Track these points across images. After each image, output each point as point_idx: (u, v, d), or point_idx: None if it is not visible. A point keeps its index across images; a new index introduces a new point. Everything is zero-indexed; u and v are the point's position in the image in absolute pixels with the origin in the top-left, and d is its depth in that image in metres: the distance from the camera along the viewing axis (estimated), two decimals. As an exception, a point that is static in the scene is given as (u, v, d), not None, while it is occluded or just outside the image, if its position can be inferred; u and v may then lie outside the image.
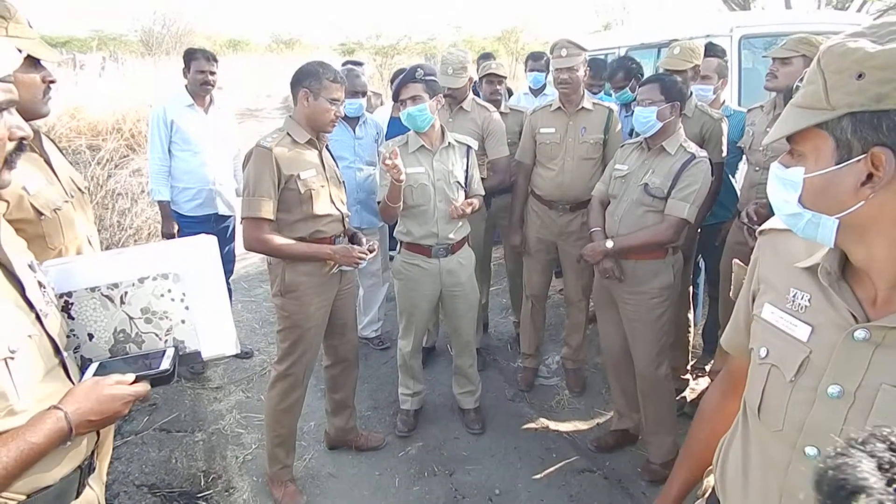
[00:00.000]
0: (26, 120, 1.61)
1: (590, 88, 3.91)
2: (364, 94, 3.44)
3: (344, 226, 2.45)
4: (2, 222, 1.01)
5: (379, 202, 2.73)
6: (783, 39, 2.74)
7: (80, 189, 1.81)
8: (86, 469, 1.09)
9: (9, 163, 0.93)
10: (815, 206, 0.81)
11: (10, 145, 0.93)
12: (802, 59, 2.61)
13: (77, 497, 1.06)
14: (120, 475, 2.62)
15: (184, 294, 1.23)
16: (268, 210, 2.19)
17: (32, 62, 1.55)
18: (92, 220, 1.89)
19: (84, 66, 13.39)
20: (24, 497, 0.94)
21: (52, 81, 1.62)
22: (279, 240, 2.24)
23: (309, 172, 2.26)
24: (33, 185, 1.58)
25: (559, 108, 3.06)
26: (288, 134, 2.27)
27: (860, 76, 0.72)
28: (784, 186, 0.84)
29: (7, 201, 1.50)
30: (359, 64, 4.41)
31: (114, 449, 2.44)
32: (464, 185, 2.74)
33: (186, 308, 1.24)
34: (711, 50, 3.23)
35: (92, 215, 1.90)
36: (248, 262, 5.14)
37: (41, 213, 1.58)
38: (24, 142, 0.95)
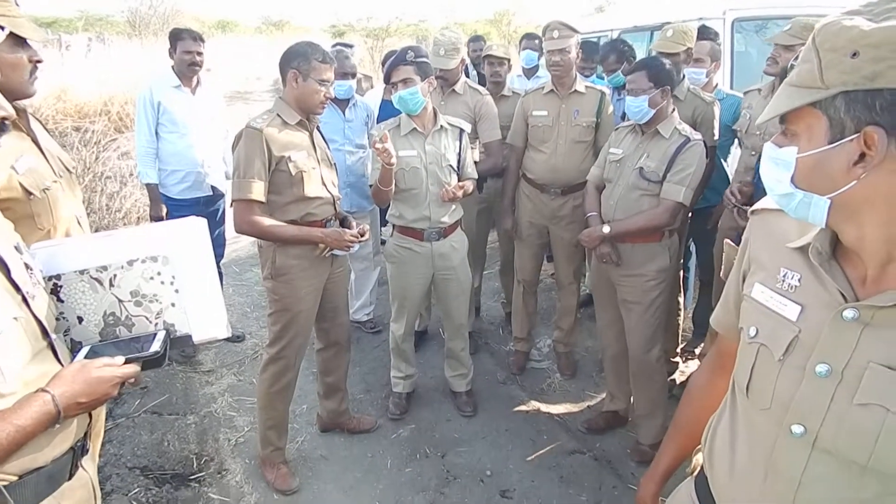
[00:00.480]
0: (12, 100, 1.59)
1: (582, 71, 3.88)
2: (354, 75, 3.40)
3: (335, 209, 2.43)
4: None
5: (371, 185, 2.72)
6: (778, 22, 2.73)
7: (68, 169, 1.79)
8: (78, 450, 1.09)
9: None
10: (807, 186, 0.81)
11: None
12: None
13: (70, 478, 1.06)
14: (112, 458, 2.61)
15: (173, 277, 1.23)
16: (258, 192, 2.17)
17: (19, 42, 1.53)
18: (80, 200, 1.87)
19: (70, 47, 13.14)
20: (16, 478, 0.94)
21: (39, 61, 1.59)
22: (269, 222, 2.22)
23: (300, 154, 2.24)
24: (22, 165, 1.56)
25: (551, 90, 3.04)
26: (278, 115, 2.24)
27: (854, 54, 0.72)
28: (777, 166, 0.84)
29: None
30: (349, 46, 4.36)
31: (105, 431, 2.45)
32: (456, 168, 2.72)
33: (176, 291, 1.23)
34: (704, 33, 3.22)
35: (80, 195, 1.88)
36: (239, 245, 5.11)
37: (30, 193, 1.57)
38: (5, 122, 0.93)
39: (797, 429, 0.86)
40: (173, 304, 1.24)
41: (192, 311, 1.26)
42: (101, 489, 2.36)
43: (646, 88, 2.39)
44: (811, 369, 0.84)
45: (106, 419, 2.38)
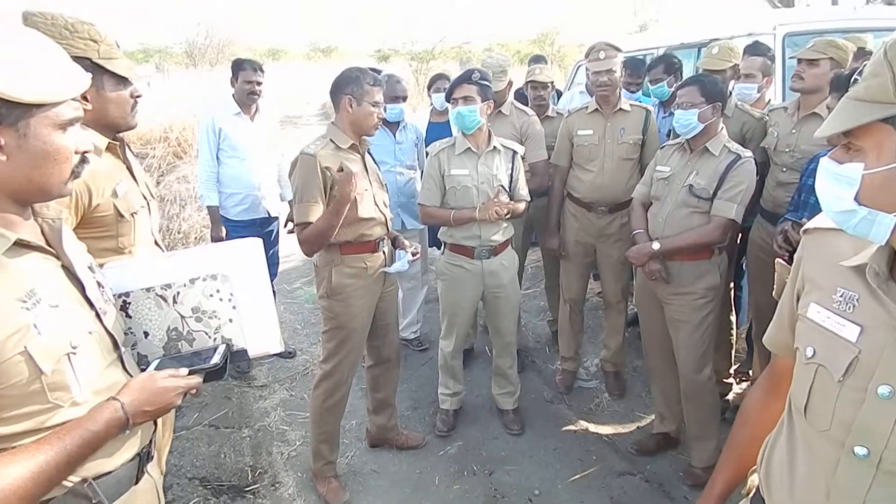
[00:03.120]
0: (118, 132, 1.74)
1: (628, 87, 3.89)
2: (405, 98, 3.51)
3: (387, 228, 2.51)
4: (64, 228, 1.09)
5: (420, 204, 2.79)
6: (831, 37, 2.70)
7: (152, 195, 1.92)
8: (144, 457, 1.15)
9: (75, 175, 1.01)
10: (873, 203, 0.79)
11: (76, 158, 1.00)
12: (830, 61, 2.60)
13: (136, 483, 1.13)
14: (173, 468, 2.73)
15: (231, 294, 1.29)
16: (316, 214, 2.26)
17: (121, 79, 1.67)
18: (157, 224, 2.00)
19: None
20: (89, 480, 1.01)
21: (139, 96, 1.74)
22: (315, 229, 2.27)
23: None
24: (120, 189, 1.70)
25: (596, 109, 3.07)
26: (331, 140, 2.34)
27: None
28: (838, 183, 0.83)
29: (68, 207, 1.60)
30: (378, 72, 4.49)
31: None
32: (508, 189, 2.77)
33: (234, 308, 1.29)
34: (756, 48, 3.18)
35: (158, 219, 2.01)
36: (290, 265, 5.27)
37: (121, 216, 1.70)
38: (87, 155, 1.02)
39: (860, 450, 0.85)
40: (231, 320, 1.30)
41: (248, 327, 1.31)
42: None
43: (697, 103, 2.39)
44: (873, 391, 0.84)
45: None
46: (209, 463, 2.82)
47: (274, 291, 3.83)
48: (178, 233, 5.57)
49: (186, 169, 6.64)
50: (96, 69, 1.58)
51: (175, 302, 1.27)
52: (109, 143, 1.72)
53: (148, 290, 1.26)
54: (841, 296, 0.90)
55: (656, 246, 2.46)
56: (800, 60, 2.69)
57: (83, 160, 1.02)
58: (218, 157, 3.45)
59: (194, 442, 2.95)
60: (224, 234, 3.49)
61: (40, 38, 0.99)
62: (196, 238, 5.64)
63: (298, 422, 3.14)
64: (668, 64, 3.59)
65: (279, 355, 3.79)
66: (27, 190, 0.96)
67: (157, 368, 1.18)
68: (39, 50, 0.96)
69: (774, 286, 1.17)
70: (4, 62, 0.90)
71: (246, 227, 3.45)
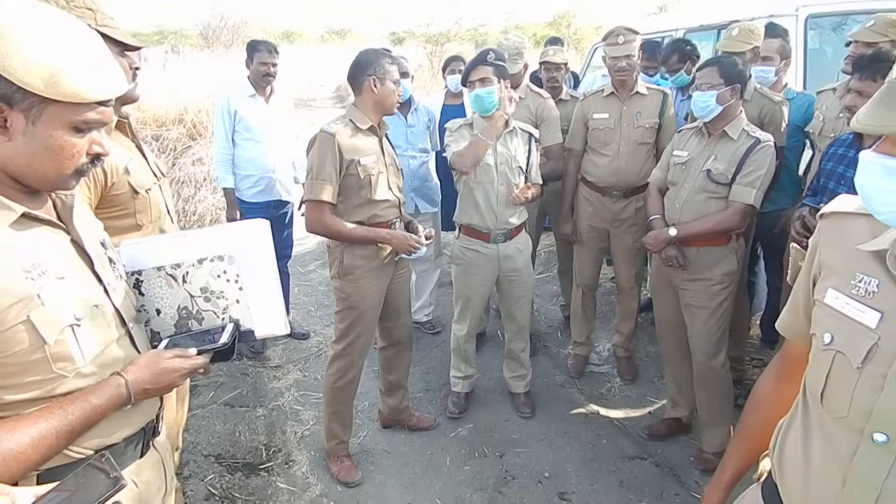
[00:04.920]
0: (120, 105, 1.75)
1: (645, 71, 3.84)
2: (410, 76, 3.50)
3: (400, 211, 2.51)
4: (76, 204, 1.10)
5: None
6: (857, 18, 2.60)
7: (162, 173, 1.94)
8: (149, 431, 1.18)
9: (79, 172, 1.01)
10: None
11: (85, 159, 1.00)
12: (891, 44, 2.44)
13: (142, 456, 1.16)
14: (189, 445, 2.78)
15: (238, 275, 1.29)
16: (328, 194, 2.27)
17: (120, 50, 1.67)
18: (171, 202, 2.02)
19: (148, 60, 13.94)
20: (92, 452, 1.04)
21: (137, 68, 1.74)
22: (339, 223, 2.32)
23: (369, 158, 2.33)
24: (133, 166, 1.72)
25: (612, 92, 3.03)
26: (351, 121, 2.35)
27: None
28: (889, 176, 0.80)
29: (94, 185, 1.62)
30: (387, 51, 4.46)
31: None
32: (525, 170, 2.75)
33: (240, 289, 1.30)
34: (773, 30, 3.11)
35: (170, 197, 2.04)
36: (304, 247, 5.31)
37: (136, 192, 1.73)
38: (99, 159, 1.02)
39: (880, 437, 0.85)
40: (238, 301, 1.30)
41: (255, 308, 1.31)
42: (180, 474, 2.53)
43: (716, 84, 2.35)
44: (893, 377, 0.83)
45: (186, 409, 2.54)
46: (224, 441, 2.87)
47: (288, 274, 3.90)
48: (194, 214, 5.62)
49: (201, 151, 6.68)
50: None
51: (185, 281, 1.29)
52: (119, 120, 1.73)
53: (159, 268, 1.28)
54: (860, 281, 0.89)
55: (673, 232, 2.44)
56: (855, 41, 2.58)
57: (94, 161, 1.01)
58: (233, 139, 3.46)
59: (210, 420, 3.00)
60: (239, 216, 3.51)
61: (85, 32, 0.98)
62: (211, 220, 5.68)
63: (312, 402, 3.18)
64: (682, 52, 3.54)
65: (293, 336, 3.85)
66: (25, 175, 0.96)
67: (167, 347, 1.20)
68: (78, 44, 0.95)
69: (788, 271, 1.15)
70: (35, 50, 0.89)
71: (260, 209, 3.47)
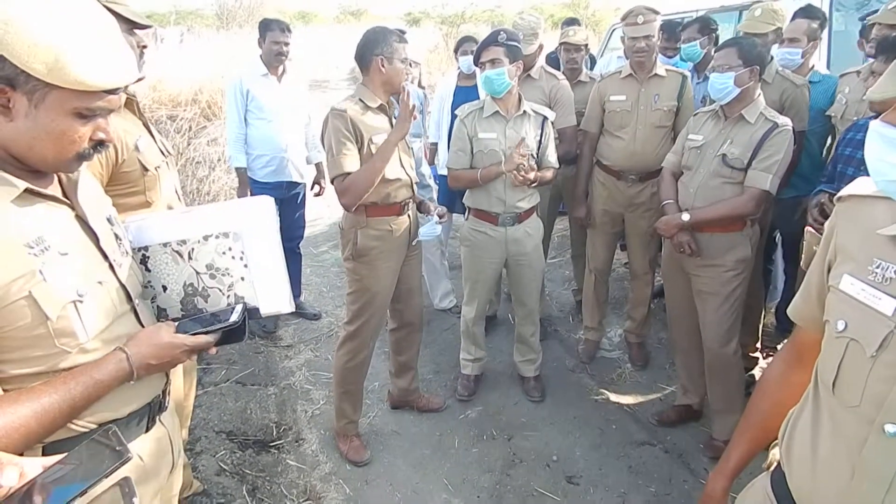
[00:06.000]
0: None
1: (664, 52, 3.76)
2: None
3: (413, 191, 2.50)
4: (81, 179, 1.09)
5: (448, 168, 2.76)
6: (881, 1, 2.52)
7: (169, 152, 1.95)
8: (156, 406, 1.18)
9: (81, 157, 1.00)
10: None
11: (87, 144, 0.99)
12: None
13: (147, 431, 1.17)
14: (201, 421, 2.82)
15: (242, 252, 1.28)
16: (352, 163, 2.24)
17: (128, 28, 1.67)
18: (177, 179, 2.03)
19: (164, 40, 13.95)
20: (95, 426, 1.05)
21: (144, 46, 1.74)
22: (360, 172, 2.25)
23: (380, 137, 2.32)
24: (143, 143, 1.73)
25: (630, 74, 2.97)
26: (360, 100, 2.33)
27: None
28: (887, 145, 0.79)
29: (106, 161, 1.63)
30: (403, 32, 4.42)
31: (196, 397, 2.63)
32: (536, 155, 2.72)
33: (245, 266, 1.29)
34: (810, 12, 2.99)
35: (177, 175, 2.05)
36: (317, 228, 5.33)
37: (146, 170, 1.74)
38: (102, 145, 1.01)
39: (891, 428, 0.83)
40: (243, 279, 1.29)
41: (260, 286, 1.31)
42: (191, 450, 2.57)
43: (734, 65, 2.29)
44: None
45: (196, 387, 2.57)
46: (236, 418, 2.91)
47: (300, 254, 3.91)
48: (208, 195, 5.65)
49: (216, 131, 6.69)
50: None
51: (190, 258, 1.28)
52: (127, 98, 1.73)
53: (165, 244, 1.27)
54: (878, 267, 0.86)
55: (686, 217, 2.40)
56: (877, 24, 2.50)
57: (96, 147, 1.01)
58: (246, 119, 3.46)
59: (222, 397, 3.04)
60: (250, 195, 3.52)
61: (98, 15, 0.96)
62: (226, 199, 5.71)
63: (322, 382, 3.21)
64: (704, 24, 3.45)
65: (304, 317, 3.87)
66: (26, 156, 0.96)
67: (178, 329, 1.19)
68: (89, 29, 0.93)
69: (802, 256, 1.13)
70: (41, 33, 0.88)
71: (272, 189, 3.48)
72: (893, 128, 0.79)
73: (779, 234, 3.28)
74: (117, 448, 0.86)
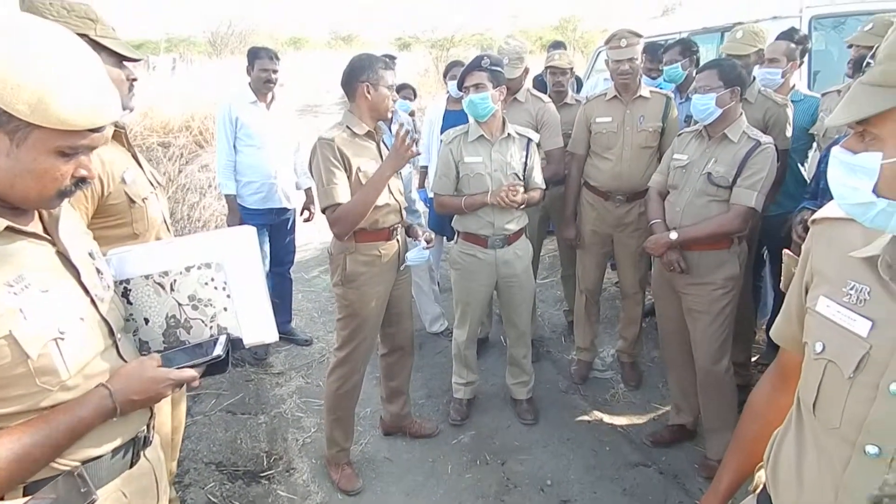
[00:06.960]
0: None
1: (648, 74, 3.81)
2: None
3: (401, 216, 2.50)
4: (62, 215, 1.08)
5: (434, 193, 2.78)
6: (860, 18, 2.58)
7: (158, 183, 1.94)
8: (140, 441, 1.16)
9: (63, 194, 1.00)
10: (893, 195, 0.76)
11: (69, 181, 0.99)
12: None
13: (131, 467, 1.14)
14: (190, 453, 2.78)
15: (225, 282, 1.27)
16: (343, 194, 2.25)
17: (118, 61, 1.68)
18: (167, 210, 2.02)
19: (156, 68, 14.07)
20: (78, 464, 1.03)
21: (134, 79, 1.75)
22: (351, 203, 2.27)
23: (369, 164, 2.33)
24: (129, 175, 1.72)
25: (615, 96, 3.01)
26: (347, 127, 2.34)
27: None
28: (853, 173, 0.79)
29: (90, 194, 1.63)
30: (392, 58, 4.46)
31: (185, 428, 2.59)
32: (521, 177, 2.73)
33: (228, 296, 1.28)
34: (792, 35, 3.05)
35: (167, 205, 2.04)
36: (307, 253, 5.31)
37: (133, 201, 1.73)
38: (84, 182, 1.01)
39: (871, 449, 0.83)
40: (226, 309, 1.28)
41: (243, 316, 1.29)
42: (180, 482, 2.53)
43: (714, 86, 2.33)
44: (885, 388, 0.81)
45: (185, 417, 2.53)
46: (225, 448, 2.86)
47: (290, 279, 3.90)
48: (198, 221, 5.64)
49: (208, 158, 6.74)
50: (94, 46, 1.58)
51: (172, 290, 1.27)
52: (115, 130, 1.74)
53: (147, 277, 1.26)
54: (851, 289, 0.87)
55: (674, 236, 2.42)
56: (856, 46, 2.56)
57: (78, 184, 1.00)
58: (235, 146, 3.47)
59: (211, 427, 3.00)
60: (240, 222, 3.52)
61: (81, 53, 0.96)
62: (216, 226, 5.70)
63: (314, 409, 3.17)
64: (685, 47, 3.51)
65: (295, 342, 3.84)
66: (8, 195, 0.96)
67: (164, 363, 1.17)
68: (72, 68, 0.93)
69: (782, 278, 1.13)
70: (24, 72, 0.88)
71: (262, 216, 3.48)
72: (851, 153, 0.80)
73: (766, 251, 3.30)
74: (82, 490, 0.85)
